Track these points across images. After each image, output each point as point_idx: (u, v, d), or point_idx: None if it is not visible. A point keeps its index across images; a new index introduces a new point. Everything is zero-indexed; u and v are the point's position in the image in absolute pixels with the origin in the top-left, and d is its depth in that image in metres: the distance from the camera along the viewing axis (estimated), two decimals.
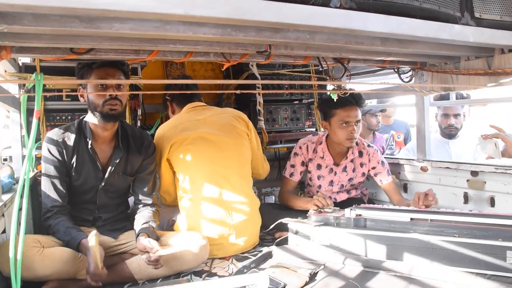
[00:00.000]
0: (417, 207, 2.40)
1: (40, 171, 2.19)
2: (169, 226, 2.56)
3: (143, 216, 2.21)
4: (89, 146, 2.14)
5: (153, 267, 1.96)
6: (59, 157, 2.12)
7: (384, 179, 2.84)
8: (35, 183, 2.38)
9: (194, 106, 2.59)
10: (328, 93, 2.53)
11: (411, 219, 2.11)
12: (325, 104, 2.80)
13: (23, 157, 2.51)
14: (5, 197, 1.94)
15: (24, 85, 2.46)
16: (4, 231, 1.91)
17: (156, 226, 2.21)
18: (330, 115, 2.73)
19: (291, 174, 2.90)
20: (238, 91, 1.94)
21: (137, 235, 2.09)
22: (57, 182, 2.11)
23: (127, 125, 2.35)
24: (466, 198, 2.65)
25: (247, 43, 1.87)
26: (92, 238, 1.82)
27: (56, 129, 2.17)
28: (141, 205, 2.30)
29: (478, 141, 2.96)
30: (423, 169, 2.92)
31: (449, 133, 3.45)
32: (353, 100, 2.65)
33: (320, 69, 3.07)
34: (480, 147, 2.92)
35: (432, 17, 1.74)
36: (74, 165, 2.14)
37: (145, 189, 2.30)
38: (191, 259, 2.11)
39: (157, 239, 2.12)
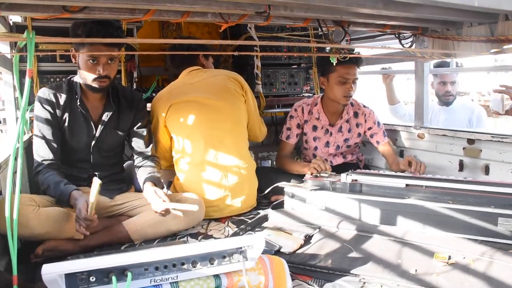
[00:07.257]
0: (408, 171, 2.45)
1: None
2: (167, 188, 2.58)
3: (145, 170, 2.23)
4: (79, 103, 2.15)
5: (160, 215, 2.00)
6: (51, 111, 2.13)
7: (381, 140, 2.86)
8: (30, 146, 2.36)
9: (191, 71, 2.55)
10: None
11: (406, 185, 2.13)
12: (325, 59, 2.73)
13: (17, 119, 2.48)
14: None
15: (15, 44, 2.39)
16: (0, 193, 1.91)
17: (160, 176, 2.24)
18: (329, 71, 2.73)
19: (288, 137, 2.91)
20: (236, 53, 1.90)
21: (143, 184, 2.13)
22: (49, 136, 2.12)
23: (117, 84, 2.36)
24: (461, 166, 2.66)
25: (246, 3, 1.81)
26: (96, 185, 1.80)
27: (45, 88, 2.17)
28: (141, 159, 2.31)
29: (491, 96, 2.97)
30: (420, 136, 2.92)
31: (446, 100, 3.45)
32: (353, 58, 2.64)
33: (320, 33, 3.01)
34: (491, 102, 2.91)
35: None
36: (67, 122, 2.16)
37: (142, 143, 2.32)
38: (186, 219, 2.13)
39: (162, 187, 2.17)
